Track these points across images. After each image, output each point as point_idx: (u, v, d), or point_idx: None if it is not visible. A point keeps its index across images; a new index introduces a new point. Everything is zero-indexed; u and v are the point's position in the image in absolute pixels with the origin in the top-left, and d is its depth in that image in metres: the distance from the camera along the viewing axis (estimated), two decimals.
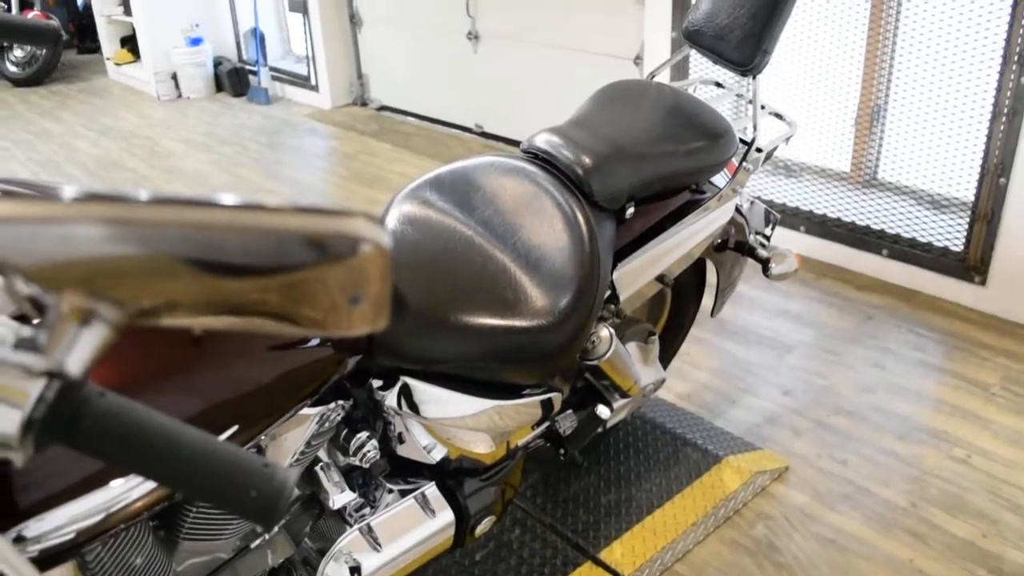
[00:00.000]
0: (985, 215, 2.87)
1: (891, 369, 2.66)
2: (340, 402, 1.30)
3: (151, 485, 0.98)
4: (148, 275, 0.47)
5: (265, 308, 0.48)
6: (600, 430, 1.83)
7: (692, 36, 1.81)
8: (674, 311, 2.20)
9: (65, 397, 0.54)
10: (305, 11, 5.93)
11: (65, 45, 7.99)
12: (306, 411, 1.22)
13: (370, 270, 0.46)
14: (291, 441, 1.24)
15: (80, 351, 0.50)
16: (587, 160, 1.55)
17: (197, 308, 0.48)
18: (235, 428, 1.07)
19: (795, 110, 3.42)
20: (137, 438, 0.57)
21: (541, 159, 1.60)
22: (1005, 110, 2.74)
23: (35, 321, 0.52)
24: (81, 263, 0.47)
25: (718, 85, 2.13)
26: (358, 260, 0.46)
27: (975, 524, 2.05)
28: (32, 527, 0.90)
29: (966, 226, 2.96)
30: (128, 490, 0.96)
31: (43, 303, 0.50)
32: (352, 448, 1.36)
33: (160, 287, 0.47)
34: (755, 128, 1.85)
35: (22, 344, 0.52)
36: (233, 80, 6.56)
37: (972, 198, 2.92)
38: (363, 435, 1.36)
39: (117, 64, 7.36)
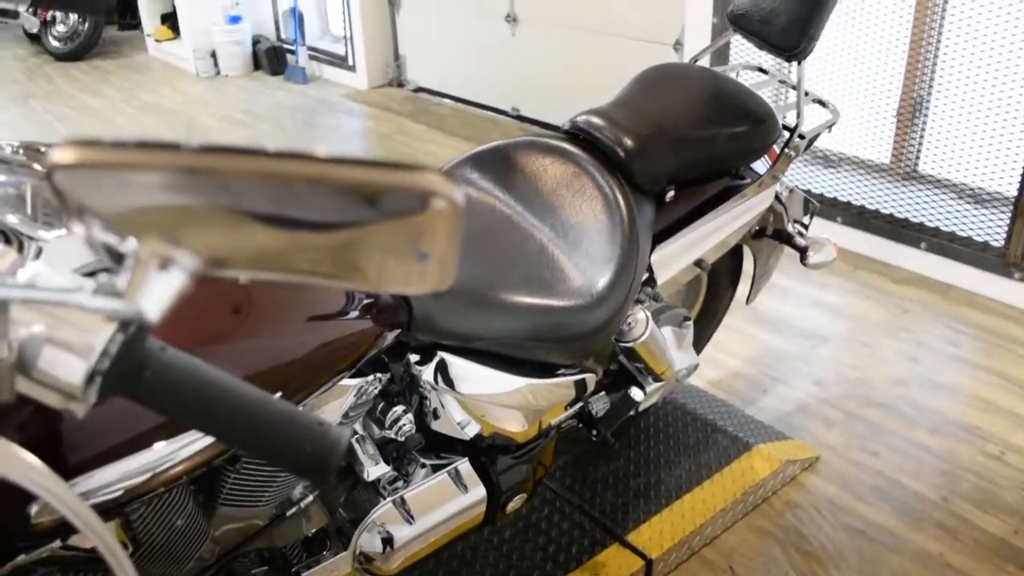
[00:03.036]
0: None
1: (925, 363, 2.64)
2: (378, 375, 1.31)
3: (195, 447, 1.00)
4: (225, 227, 0.48)
5: (336, 262, 0.48)
6: (632, 413, 1.83)
7: (737, 20, 1.80)
8: (709, 297, 2.19)
9: (129, 349, 0.55)
10: None
11: (107, 21, 8.07)
12: (345, 383, 1.24)
13: (440, 227, 0.47)
14: (329, 412, 1.25)
15: (158, 296, 0.51)
16: (629, 142, 1.55)
17: (269, 260, 0.49)
18: (279, 395, 1.08)
19: (836, 99, 3.38)
20: (197, 392, 0.58)
21: (583, 139, 1.60)
22: None
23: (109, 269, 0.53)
24: (160, 211, 0.48)
25: (761, 71, 2.12)
26: (429, 215, 0.46)
27: (1007, 521, 2.03)
28: (83, 483, 0.92)
29: (1008, 221, 2.91)
30: (173, 451, 0.99)
31: (120, 252, 0.51)
32: (388, 421, 1.37)
33: (236, 239, 0.48)
34: (799, 114, 1.83)
35: (101, 290, 0.53)
36: (271, 59, 6.60)
37: (1015, 192, 2.87)
38: (399, 409, 1.38)
39: (157, 40, 7.42)
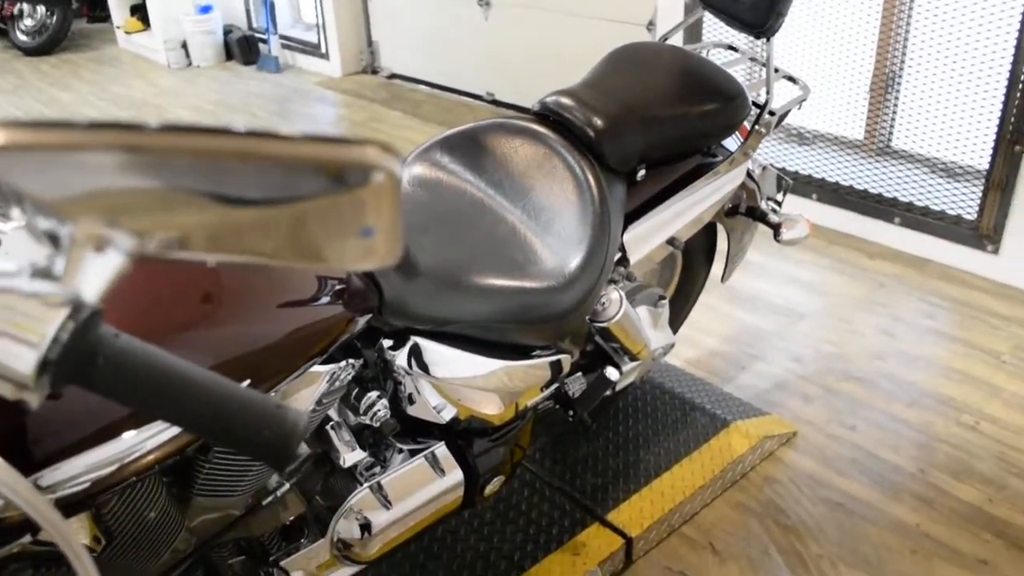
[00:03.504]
0: (999, 183, 2.85)
1: (901, 337, 2.66)
2: (351, 361, 1.30)
3: (164, 437, 0.99)
4: (162, 205, 0.47)
5: (278, 239, 0.48)
6: (609, 393, 1.83)
7: None
8: (684, 276, 2.20)
9: (81, 336, 0.55)
10: None
11: (75, 14, 7.96)
12: (317, 369, 1.23)
13: (382, 199, 0.46)
14: (301, 399, 1.24)
15: (95, 278, 0.50)
16: (598, 122, 1.54)
17: (212, 239, 0.48)
18: (248, 382, 1.07)
19: (809, 76, 3.39)
20: (152, 378, 0.58)
21: (552, 120, 1.59)
22: (1022, 77, 2.71)
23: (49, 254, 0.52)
24: (96, 193, 0.47)
25: (731, 48, 2.11)
26: (370, 189, 0.46)
27: (982, 489, 2.06)
28: (47, 476, 0.91)
29: (980, 194, 2.94)
30: (142, 441, 0.98)
31: (59, 236, 0.50)
32: (363, 407, 1.37)
33: (174, 218, 0.47)
34: (768, 91, 1.83)
35: (37, 273, 0.52)
36: (243, 48, 6.53)
37: (987, 166, 2.89)
38: (373, 394, 1.37)
39: (127, 32, 7.33)
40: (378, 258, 0.48)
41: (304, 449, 1.38)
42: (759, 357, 2.58)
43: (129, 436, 0.97)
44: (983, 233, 2.94)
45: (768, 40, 1.76)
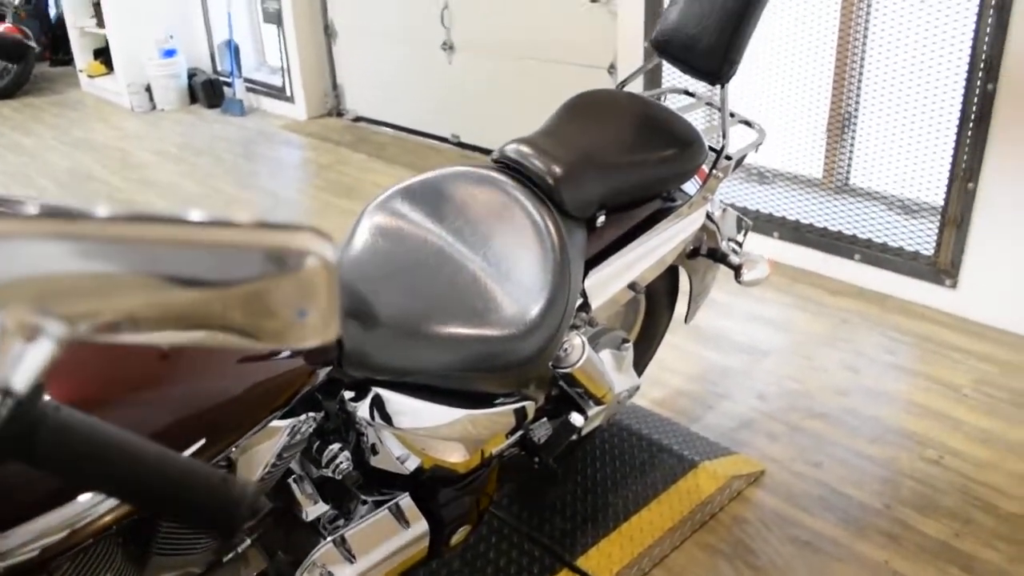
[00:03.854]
0: (955, 219, 2.91)
1: (864, 372, 2.69)
2: (311, 414, 1.29)
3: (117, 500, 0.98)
4: (94, 290, 0.47)
5: (214, 321, 0.48)
6: (575, 438, 1.83)
7: (661, 46, 1.83)
8: (648, 318, 2.21)
9: (18, 413, 0.54)
10: (279, 22, 5.92)
11: (37, 57, 7.94)
12: (277, 423, 1.22)
13: (316, 283, 0.46)
14: (262, 453, 1.23)
15: (26, 368, 0.50)
16: (557, 169, 1.56)
17: (146, 323, 0.48)
18: (203, 441, 1.06)
19: (767, 117, 3.45)
20: (93, 453, 0.57)
21: (512, 169, 1.60)
22: (972, 116, 2.78)
23: None
24: (24, 280, 0.47)
25: (688, 94, 2.15)
26: (304, 273, 0.46)
27: (948, 524, 2.07)
28: None
29: (936, 230, 2.99)
30: (94, 505, 0.96)
31: None
32: (324, 459, 1.36)
33: (106, 303, 0.47)
34: (724, 136, 1.86)
35: None
36: (207, 91, 6.54)
37: (942, 203, 2.95)
38: (335, 447, 1.36)
39: (90, 76, 7.31)
40: (314, 339, 0.48)
41: (265, 503, 1.36)
42: (725, 396, 2.60)
43: (83, 499, 0.95)
44: (941, 268, 3.00)
45: (723, 86, 1.79)
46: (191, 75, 6.67)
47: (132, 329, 0.49)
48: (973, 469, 2.25)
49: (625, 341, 1.88)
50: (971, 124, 2.79)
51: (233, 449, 1.14)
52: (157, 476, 0.58)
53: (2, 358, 0.49)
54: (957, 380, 2.63)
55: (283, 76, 6.11)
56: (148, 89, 6.62)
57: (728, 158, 1.90)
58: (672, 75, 3.50)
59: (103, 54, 7.19)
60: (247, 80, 6.43)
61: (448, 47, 5.02)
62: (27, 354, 0.49)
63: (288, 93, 6.13)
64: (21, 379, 0.49)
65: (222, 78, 6.61)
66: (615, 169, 1.63)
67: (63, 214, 0.45)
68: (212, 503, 0.58)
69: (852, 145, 3.33)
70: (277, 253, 0.46)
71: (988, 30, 2.67)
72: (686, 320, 2.21)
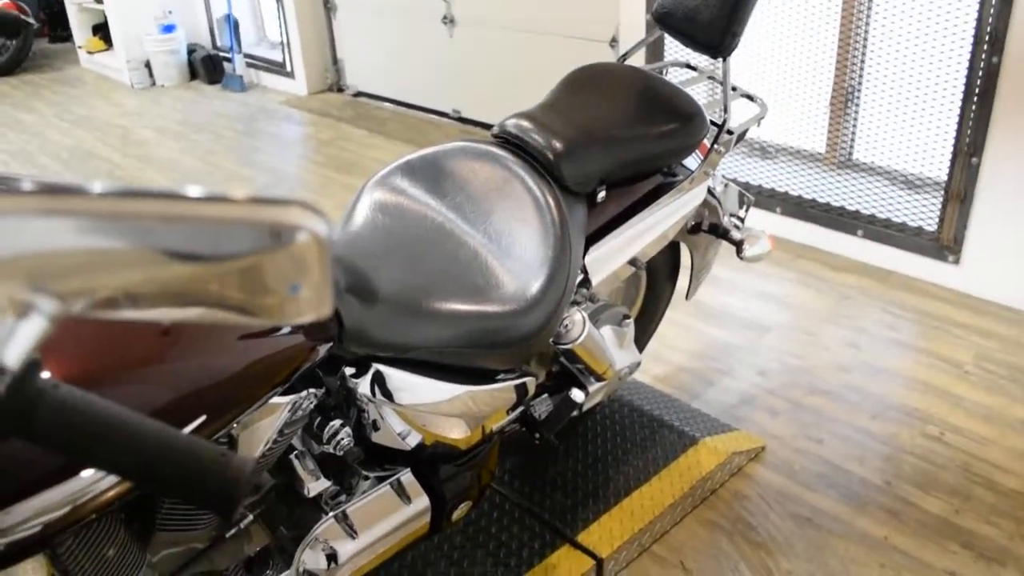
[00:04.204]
0: (958, 195, 2.90)
1: (866, 349, 2.68)
2: (312, 390, 1.29)
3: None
4: (85, 267, 0.46)
5: (208, 297, 0.47)
6: (576, 414, 1.83)
7: (662, 19, 1.81)
8: (649, 294, 2.21)
9: (16, 389, 0.53)
10: None
11: (36, 33, 7.89)
12: (277, 400, 1.22)
13: (308, 258, 0.46)
14: (263, 430, 1.23)
15: (17, 344, 0.49)
16: (557, 144, 1.55)
17: (139, 299, 0.48)
18: (204, 418, 1.06)
19: (770, 91, 3.43)
20: (91, 430, 0.56)
21: (512, 144, 1.59)
22: (976, 90, 2.76)
23: None
24: (16, 256, 0.46)
25: (690, 67, 2.13)
26: (296, 248, 0.46)
27: (948, 500, 2.07)
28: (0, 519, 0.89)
29: (939, 206, 2.98)
30: (96, 481, 0.96)
31: None
32: (326, 436, 1.36)
33: (99, 279, 0.47)
34: (726, 110, 1.85)
35: None
36: (207, 67, 6.50)
37: (945, 178, 2.94)
38: (336, 423, 1.36)
39: (89, 52, 7.27)
40: (307, 314, 0.48)
41: (267, 479, 1.37)
42: (726, 372, 2.60)
43: (85, 475, 0.95)
44: (944, 244, 2.98)
45: (724, 60, 1.78)
46: (191, 51, 6.63)
47: (125, 305, 0.48)
48: (974, 446, 2.25)
49: (626, 317, 1.88)
50: (975, 98, 2.77)
51: (234, 425, 1.14)
52: (156, 453, 0.58)
53: None
54: (959, 356, 2.63)
55: (283, 51, 6.08)
56: (148, 65, 6.59)
57: (730, 132, 1.88)
58: (674, 48, 3.47)
59: (102, 30, 7.15)
60: (247, 55, 6.40)
61: (449, 21, 4.98)
62: (19, 331, 0.48)
63: (288, 68, 6.10)
64: (13, 355, 0.49)
65: (222, 54, 6.58)
66: (616, 143, 1.62)
67: (56, 190, 0.45)
68: (211, 481, 0.58)
69: (855, 119, 3.30)
70: (269, 227, 0.46)
71: (994, 2, 2.64)
72: (687, 296, 2.20)
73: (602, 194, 1.64)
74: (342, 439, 1.37)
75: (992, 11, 2.65)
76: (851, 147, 3.36)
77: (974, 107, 2.78)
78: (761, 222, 3.43)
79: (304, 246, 0.46)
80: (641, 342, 2.23)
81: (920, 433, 2.30)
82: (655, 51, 3.52)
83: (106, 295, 0.47)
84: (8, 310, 0.48)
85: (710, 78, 2.08)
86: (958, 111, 2.83)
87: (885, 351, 2.67)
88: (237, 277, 0.47)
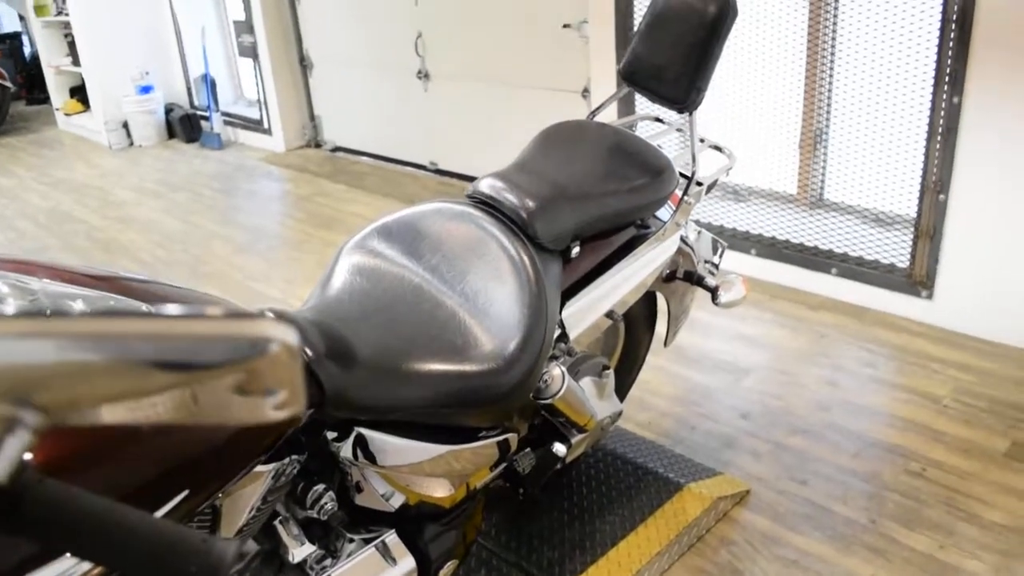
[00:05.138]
0: (928, 231, 2.95)
1: (845, 386, 2.71)
2: (295, 456, 1.30)
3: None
4: (68, 379, 0.48)
5: (186, 403, 0.49)
6: (559, 466, 1.84)
7: (629, 77, 1.86)
8: (628, 343, 2.23)
9: (4, 491, 0.55)
10: (255, 56, 5.95)
11: (14, 97, 7.93)
12: (261, 468, 1.22)
13: (280, 365, 0.48)
14: (246, 498, 1.23)
15: (5, 458, 0.51)
16: (530, 203, 1.58)
17: (121, 408, 0.49)
18: (187, 492, 1.06)
19: (741, 135, 3.50)
20: (76, 522, 0.58)
21: (486, 204, 1.62)
22: (940, 129, 2.83)
23: None
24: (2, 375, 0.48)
25: (659, 120, 2.18)
26: (269, 357, 0.48)
27: (933, 536, 2.09)
28: None
29: (910, 242, 3.03)
30: (72, 566, 0.96)
31: None
32: (309, 500, 1.36)
33: (81, 390, 0.49)
34: (694, 162, 1.89)
35: None
36: (185, 126, 6.55)
37: (915, 215, 3.00)
38: (320, 487, 1.36)
39: (67, 114, 7.31)
40: (282, 413, 0.50)
41: (252, 547, 1.36)
42: (708, 416, 2.61)
43: (60, 563, 0.95)
44: (917, 280, 3.04)
45: (691, 114, 1.82)
46: (168, 110, 6.68)
47: (106, 414, 0.50)
48: (955, 480, 2.27)
49: (606, 368, 1.90)
50: (939, 137, 2.84)
51: (220, 495, 1.14)
52: (139, 543, 0.59)
53: None
54: (937, 391, 2.66)
55: (260, 109, 6.14)
56: (125, 125, 6.63)
57: (699, 184, 1.92)
58: (644, 100, 3.54)
59: (79, 92, 7.20)
60: (224, 114, 6.45)
61: (423, 76, 5.06)
62: (5, 444, 0.50)
63: (266, 125, 6.15)
64: (1, 469, 0.51)
65: (199, 112, 6.63)
66: (587, 200, 1.65)
67: (37, 314, 0.46)
68: (195, 565, 0.59)
69: (825, 160, 3.37)
70: (243, 341, 0.48)
71: (951, 44, 2.72)
72: (666, 343, 2.23)
73: (576, 250, 1.67)
74: (326, 503, 1.37)
75: (950, 52, 2.73)
76: (822, 187, 3.42)
77: (938, 145, 2.85)
78: (736, 264, 3.47)
79: (276, 355, 0.48)
80: (622, 390, 2.25)
81: (902, 470, 2.32)
82: (626, 103, 3.59)
83: (88, 406, 0.49)
84: None
85: (678, 130, 2.13)
86: (923, 149, 2.90)
87: (864, 388, 2.70)
88: (215, 384, 0.49)
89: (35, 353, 0.47)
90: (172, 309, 0.48)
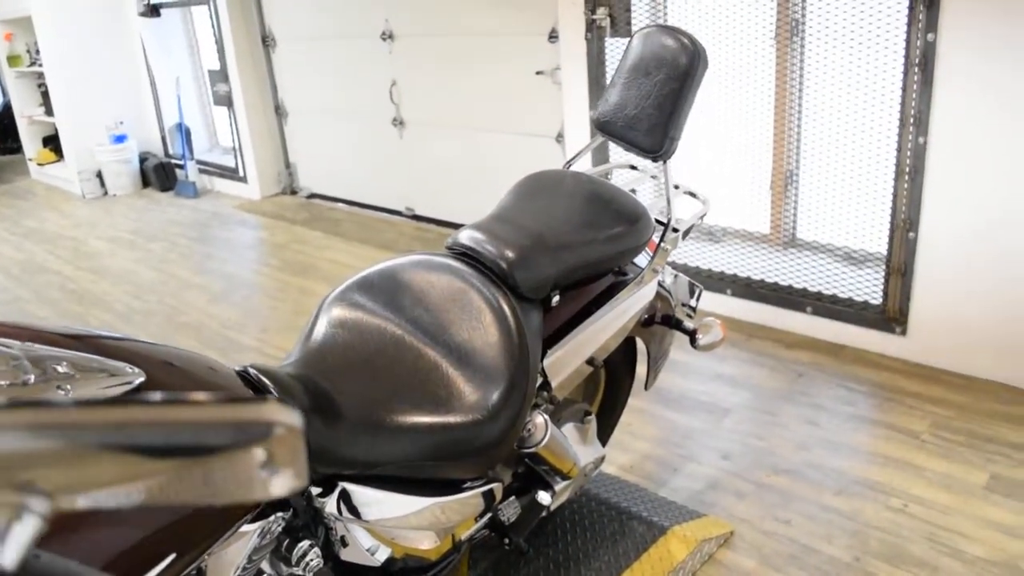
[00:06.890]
0: (899, 268, 3.00)
1: (824, 425, 2.74)
2: (280, 514, 1.29)
3: None
4: (72, 467, 0.49)
5: (191, 484, 0.50)
6: (544, 513, 1.84)
7: (603, 126, 1.89)
8: (609, 388, 2.24)
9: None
10: (230, 104, 5.98)
11: None
12: (246, 527, 1.22)
13: (284, 447, 0.49)
14: (232, 557, 1.23)
15: (13, 546, 0.51)
16: (510, 253, 1.59)
17: (124, 490, 0.50)
18: (174, 556, 1.06)
19: (714, 178, 3.55)
20: None
21: (466, 255, 1.64)
22: (907, 168, 2.89)
23: None
24: (4, 461, 0.48)
25: (634, 168, 2.22)
26: (272, 441, 0.49)
27: (917, 573, 2.10)
28: None
29: (883, 280, 3.08)
30: None
31: None
32: (295, 558, 1.35)
33: (85, 475, 0.49)
34: (669, 209, 1.92)
35: None
36: (160, 175, 6.55)
37: (886, 253, 3.05)
38: (305, 544, 1.36)
39: (40, 164, 7.29)
40: (284, 490, 0.51)
41: None
42: (690, 457, 2.62)
43: None
44: (890, 316, 3.08)
45: (665, 163, 1.86)
46: (143, 159, 6.68)
47: (111, 498, 0.51)
48: (937, 515, 2.29)
49: (588, 413, 1.91)
50: (907, 176, 2.90)
51: (207, 556, 1.14)
52: None
53: None
54: (915, 426, 2.69)
55: (235, 156, 6.15)
56: (99, 175, 6.62)
57: (675, 230, 1.95)
58: (618, 148, 3.59)
59: (52, 141, 7.19)
60: (199, 162, 6.46)
61: (398, 123, 5.10)
62: (14, 531, 0.50)
63: (241, 173, 6.16)
64: (11, 556, 0.51)
65: (174, 161, 6.63)
66: (566, 249, 1.67)
67: (31, 405, 0.47)
68: None
69: (796, 200, 3.43)
70: (245, 426, 0.49)
71: (915, 86, 2.79)
72: (646, 386, 2.24)
73: (556, 298, 1.69)
74: (311, 560, 1.36)
75: (915, 94, 2.80)
76: (794, 227, 3.47)
77: (906, 184, 2.91)
78: (713, 303, 3.51)
79: (280, 439, 0.50)
80: (604, 435, 2.26)
81: (884, 506, 2.34)
82: (600, 150, 3.64)
83: (93, 490, 0.50)
84: (2, 515, 0.50)
85: (653, 177, 2.16)
86: (892, 188, 2.96)
87: (843, 426, 2.72)
88: (218, 466, 0.50)
89: (42, 439, 0.48)
90: (174, 396, 0.49)
